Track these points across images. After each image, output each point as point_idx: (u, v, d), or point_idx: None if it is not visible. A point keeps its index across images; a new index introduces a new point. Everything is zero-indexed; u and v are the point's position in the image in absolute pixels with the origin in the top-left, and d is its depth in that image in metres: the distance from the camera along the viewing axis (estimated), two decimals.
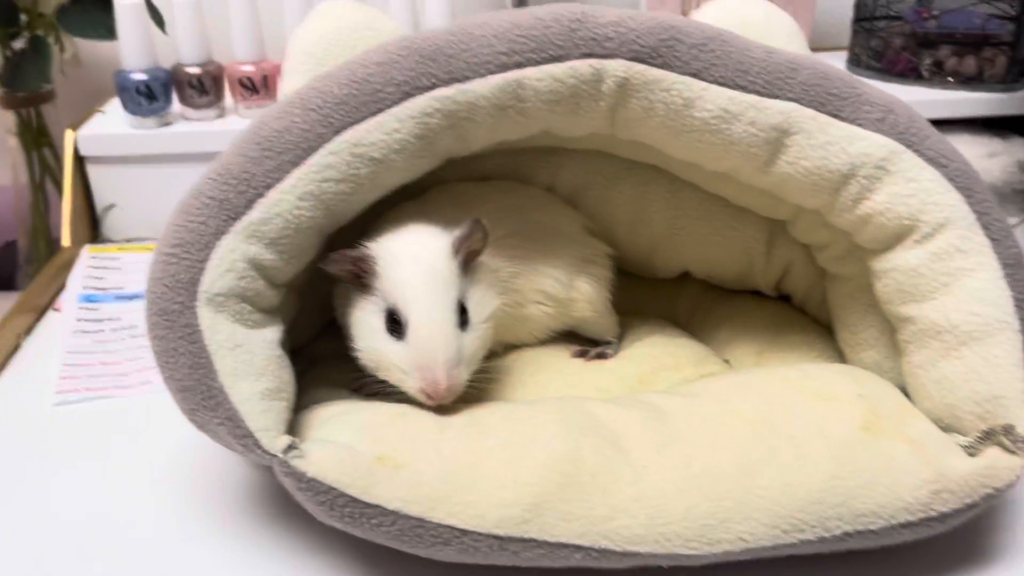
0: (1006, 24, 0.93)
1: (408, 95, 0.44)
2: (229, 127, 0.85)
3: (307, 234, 0.45)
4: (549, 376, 0.55)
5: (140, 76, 0.82)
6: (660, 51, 0.45)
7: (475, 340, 0.47)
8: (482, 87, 0.45)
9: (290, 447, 0.41)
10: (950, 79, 0.95)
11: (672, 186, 0.58)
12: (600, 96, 0.46)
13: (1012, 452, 0.43)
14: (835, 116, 0.46)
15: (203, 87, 0.85)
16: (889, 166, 0.45)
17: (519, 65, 0.45)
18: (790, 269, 0.59)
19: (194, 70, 0.84)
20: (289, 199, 0.44)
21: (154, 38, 0.83)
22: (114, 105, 0.89)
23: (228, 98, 0.88)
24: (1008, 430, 0.43)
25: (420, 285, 0.46)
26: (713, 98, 0.45)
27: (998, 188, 0.91)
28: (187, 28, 0.83)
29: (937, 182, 0.45)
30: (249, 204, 0.43)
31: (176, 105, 0.87)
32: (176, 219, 0.44)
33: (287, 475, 0.41)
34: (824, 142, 0.46)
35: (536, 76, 0.45)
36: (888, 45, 0.99)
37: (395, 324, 0.46)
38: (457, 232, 0.48)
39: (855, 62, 1.03)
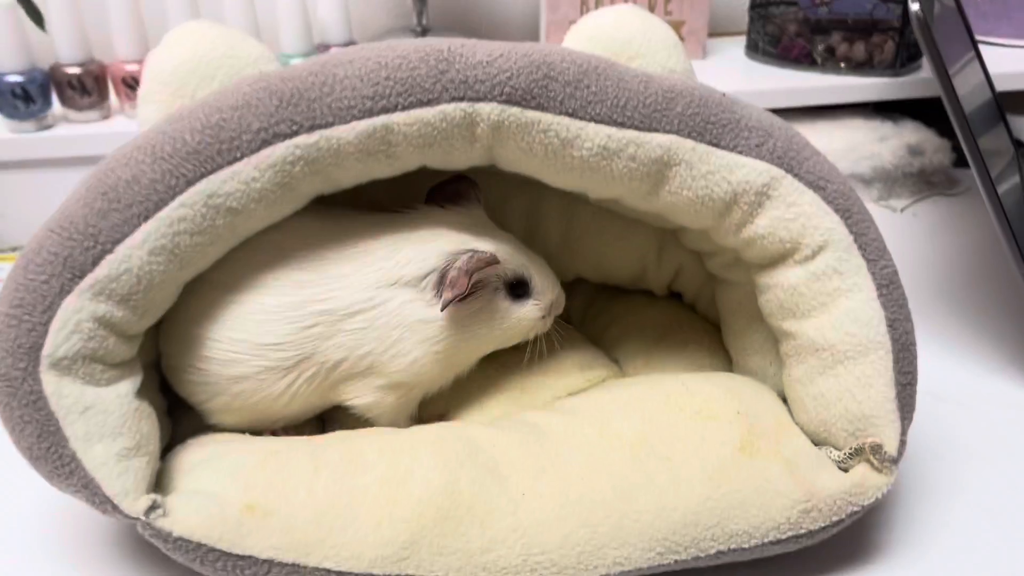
0: (894, 10, 0.93)
1: (267, 143, 0.42)
2: (115, 129, 0.81)
3: (161, 288, 0.43)
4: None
5: (15, 78, 0.77)
6: (534, 92, 0.43)
7: None
8: (347, 134, 0.42)
9: (152, 507, 0.40)
10: (842, 64, 0.96)
11: (563, 200, 0.57)
12: (475, 139, 0.44)
13: (879, 470, 0.44)
14: (715, 145, 0.45)
15: (84, 88, 0.80)
16: (770, 191, 0.45)
17: (386, 110, 0.42)
18: (681, 272, 0.59)
19: (74, 70, 0.79)
20: (139, 255, 0.41)
21: (30, 37, 0.78)
22: None
23: (112, 98, 0.83)
24: (876, 448, 0.44)
25: (515, 248, 0.51)
26: (591, 136, 0.44)
27: (888, 172, 0.92)
28: (65, 26, 0.78)
29: (816, 205, 0.45)
30: (95, 261, 0.41)
31: (57, 107, 0.82)
32: (16, 276, 0.41)
33: (152, 536, 0.40)
34: (705, 172, 0.45)
35: (405, 121, 0.43)
36: (783, 31, 0.99)
37: (519, 288, 0.51)
38: (475, 195, 0.52)
39: (752, 48, 1.03)
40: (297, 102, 0.42)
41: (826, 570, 0.47)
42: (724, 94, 0.46)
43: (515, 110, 0.43)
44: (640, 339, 0.58)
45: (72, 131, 0.81)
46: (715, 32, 1.11)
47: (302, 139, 0.42)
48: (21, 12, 0.77)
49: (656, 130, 0.44)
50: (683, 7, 1.01)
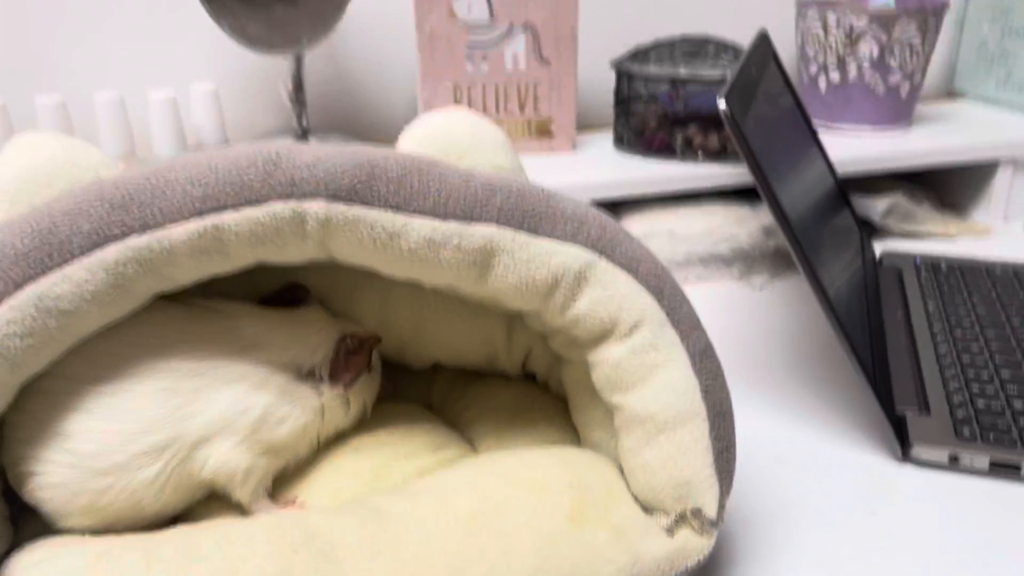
0: None
1: (98, 244, 0.43)
2: None
3: None
4: (287, 484, 0.54)
5: None
6: (358, 189, 0.46)
7: None
8: (178, 234, 0.44)
9: None
10: (699, 154, 1.03)
11: (410, 291, 0.60)
12: (306, 234, 0.46)
13: (699, 534, 0.47)
14: (533, 233, 0.48)
15: None
16: (587, 274, 0.48)
17: (215, 210, 0.44)
18: (530, 353, 0.62)
19: None
20: None
21: None
22: None
23: None
24: (696, 513, 0.47)
25: None
26: (417, 228, 0.47)
27: (747, 252, 0.99)
28: None
29: (630, 285, 0.49)
30: None
31: None
32: None
33: None
34: (526, 259, 0.48)
35: (234, 220, 0.45)
36: (646, 124, 1.06)
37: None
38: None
39: (619, 140, 1.10)
40: (127, 205, 0.44)
41: None
42: (542, 188, 0.49)
43: (341, 207, 0.45)
44: (494, 419, 0.60)
45: None
46: (584, 125, 1.18)
47: (133, 240, 0.44)
48: None
49: (478, 221, 0.47)
50: (551, 105, 1.07)
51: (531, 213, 0.48)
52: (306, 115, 1.04)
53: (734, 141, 0.59)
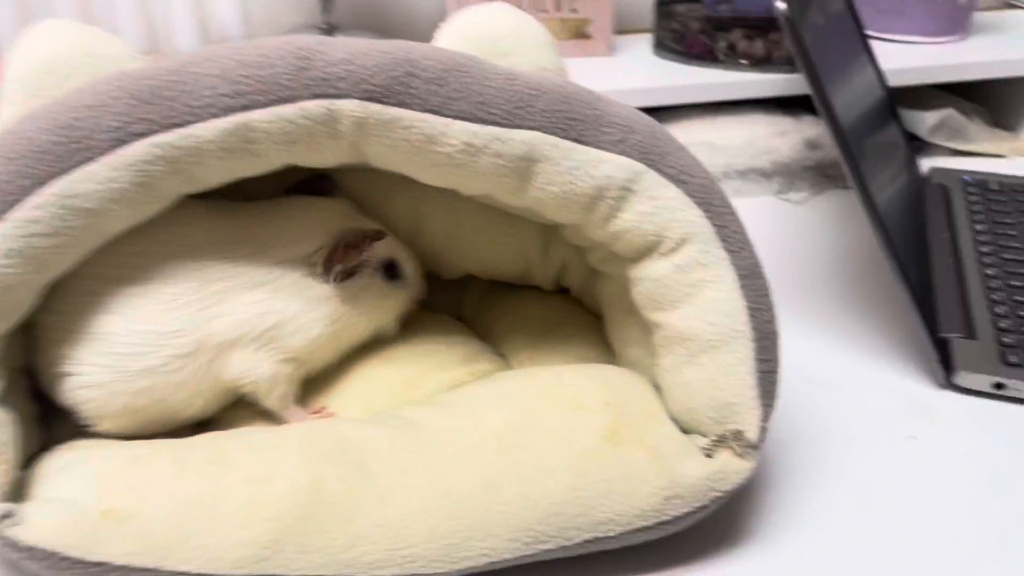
0: None
1: (122, 142, 0.41)
2: None
3: (17, 292, 0.42)
4: (318, 393, 0.54)
5: None
6: (394, 89, 0.43)
7: None
8: (206, 132, 0.42)
9: (5, 516, 0.39)
10: (742, 61, 0.98)
11: (445, 200, 0.57)
12: (338, 135, 0.44)
13: (740, 456, 0.45)
14: (578, 141, 0.45)
15: None
16: (633, 186, 0.46)
17: (245, 108, 0.42)
18: (566, 267, 0.60)
19: None
20: None
21: None
22: None
23: None
24: (737, 435, 0.45)
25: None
26: (456, 133, 0.44)
27: (787, 165, 0.95)
28: None
29: (678, 199, 0.46)
30: None
31: None
32: None
33: (4, 546, 0.39)
34: (569, 167, 0.45)
35: (265, 119, 0.42)
36: (687, 29, 1.01)
37: (392, 270, 0.54)
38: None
39: (660, 45, 1.05)
40: (153, 100, 0.42)
41: (698, 555, 0.48)
42: (589, 91, 0.47)
43: (376, 107, 0.43)
44: (526, 333, 0.59)
45: None
46: (623, 29, 1.13)
47: (159, 138, 0.42)
48: None
49: (519, 126, 0.44)
50: (589, 4, 1.02)
51: (577, 118, 0.45)
52: (333, 9, 1.00)
53: (791, 46, 0.55)
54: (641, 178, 0.46)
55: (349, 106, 0.43)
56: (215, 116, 0.42)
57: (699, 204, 0.46)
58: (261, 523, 0.41)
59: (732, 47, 0.99)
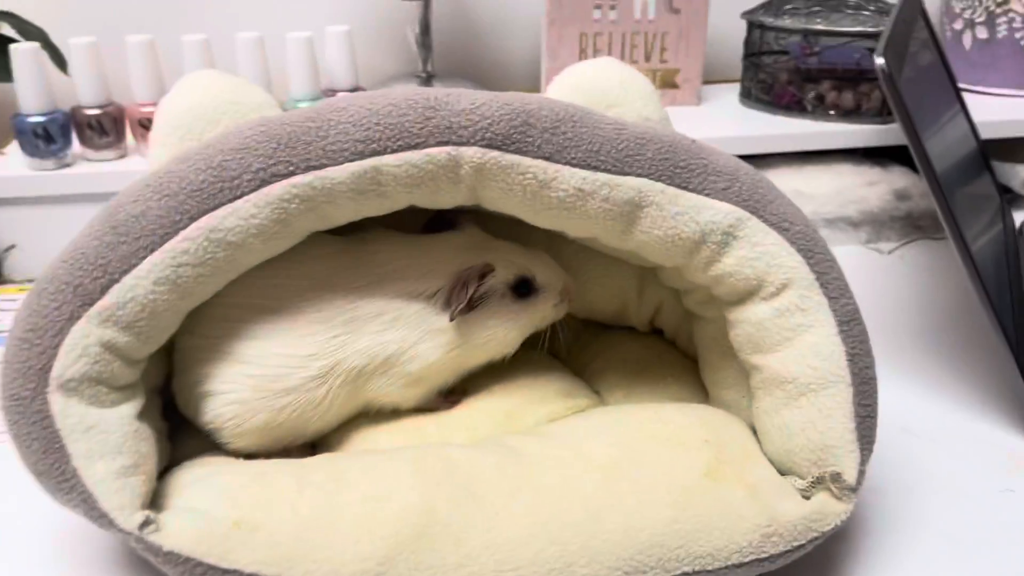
0: None
1: (265, 182, 0.45)
2: (130, 167, 0.85)
3: (164, 316, 0.46)
4: (424, 418, 0.56)
5: (37, 119, 0.81)
6: (513, 137, 0.46)
7: None
8: (339, 174, 0.46)
9: (145, 522, 0.42)
10: (831, 112, 0.99)
11: (547, 240, 0.60)
12: (459, 179, 0.47)
13: (838, 498, 0.46)
14: (683, 188, 0.48)
15: (103, 128, 0.84)
16: (736, 232, 0.48)
17: (376, 153, 0.46)
18: (661, 308, 0.62)
19: (94, 112, 0.83)
20: (144, 284, 0.44)
21: (52, 79, 0.82)
22: (15, 146, 0.88)
23: (129, 138, 0.87)
24: (836, 477, 0.46)
25: (518, 250, 0.56)
26: (567, 179, 0.47)
27: (876, 215, 0.95)
28: (86, 70, 0.82)
29: (780, 245, 0.48)
30: (104, 289, 0.44)
31: (76, 146, 0.86)
32: (29, 302, 0.44)
33: (144, 550, 0.43)
34: (674, 213, 0.48)
35: (393, 163, 0.46)
36: (775, 79, 1.02)
37: (523, 288, 0.55)
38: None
39: (746, 95, 1.07)
40: (294, 144, 0.45)
41: None
42: (694, 141, 0.49)
43: (495, 153, 0.46)
44: (621, 372, 0.61)
45: (90, 169, 0.85)
46: (710, 79, 1.15)
47: (298, 179, 0.45)
48: (45, 56, 0.82)
49: (628, 173, 0.47)
50: (678, 55, 1.05)
51: (682, 166, 0.47)
52: (432, 60, 1.05)
53: (889, 99, 0.57)
54: (744, 224, 0.47)
55: (470, 152, 0.46)
56: (348, 160, 0.46)
57: (800, 251, 0.48)
58: (377, 540, 0.43)
59: (821, 98, 1.00)
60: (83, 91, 0.83)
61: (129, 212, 0.45)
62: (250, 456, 0.52)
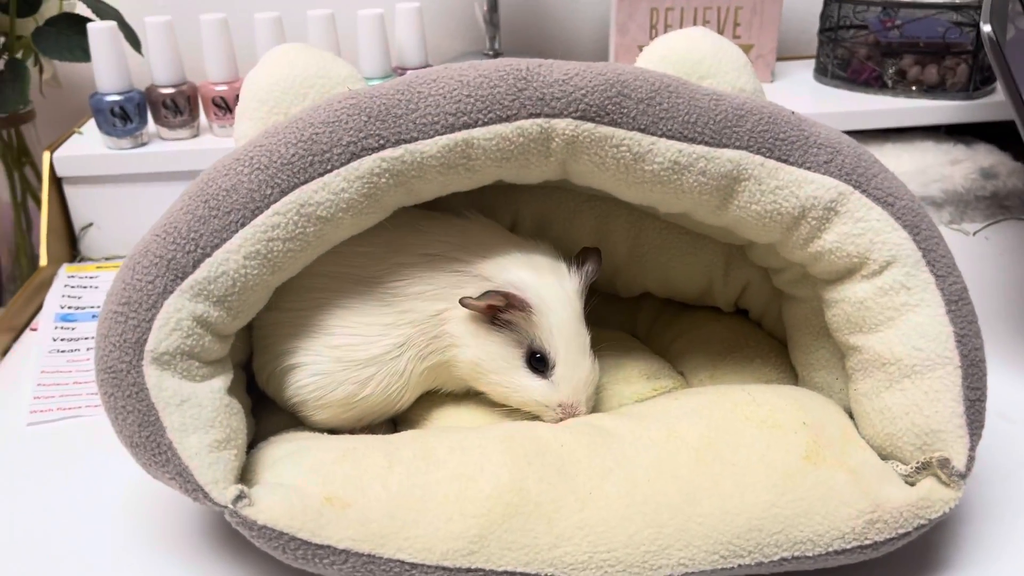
0: (968, 33, 0.93)
1: (355, 156, 0.45)
2: (204, 146, 0.86)
3: (255, 291, 0.46)
4: None
5: (114, 98, 0.82)
6: (607, 108, 0.45)
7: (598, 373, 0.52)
8: (430, 147, 0.45)
9: (239, 496, 0.42)
10: (913, 88, 0.96)
11: (632, 217, 0.59)
12: (550, 153, 0.46)
13: (946, 484, 0.44)
14: (783, 161, 0.46)
15: (177, 107, 0.85)
16: (838, 207, 0.46)
17: (467, 125, 0.45)
18: (747, 288, 0.60)
19: (168, 91, 0.84)
20: (236, 258, 0.44)
21: (128, 60, 0.83)
22: (91, 126, 0.90)
23: (203, 117, 0.88)
24: (944, 463, 0.44)
25: (569, 331, 0.50)
26: (663, 151, 0.45)
27: (960, 195, 0.92)
28: (161, 50, 0.82)
29: (884, 221, 0.46)
30: (196, 263, 0.44)
31: (151, 125, 0.87)
32: (124, 276, 0.44)
33: (239, 524, 0.43)
34: (774, 187, 0.46)
35: (484, 136, 0.45)
36: (853, 54, 0.99)
37: (538, 362, 0.50)
38: (585, 271, 0.52)
39: (822, 71, 1.03)
40: (384, 118, 0.45)
41: None
42: (793, 112, 0.47)
43: (589, 126, 0.45)
44: (706, 353, 0.59)
45: (164, 148, 0.85)
46: (783, 56, 1.12)
47: (388, 152, 0.45)
48: (121, 35, 0.82)
49: (726, 146, 0.45)
50: (752, 31, 1.02)
51: (782, 139, 0.46)
52: (499, 38, 1.04)
53: (996, 70, 0.54)
54: (847, 199, 0.46)
55: (563, 124, 0.45)
56: (439, 133, 0.45)
57: (905, 227, 0.46)
58: (469, 518, 0.42)
59: (902, 73, 0.97)
60: (158, 70, 0.83)
61: (220, 186, 0.44)
62: (332, 432, 0.51)
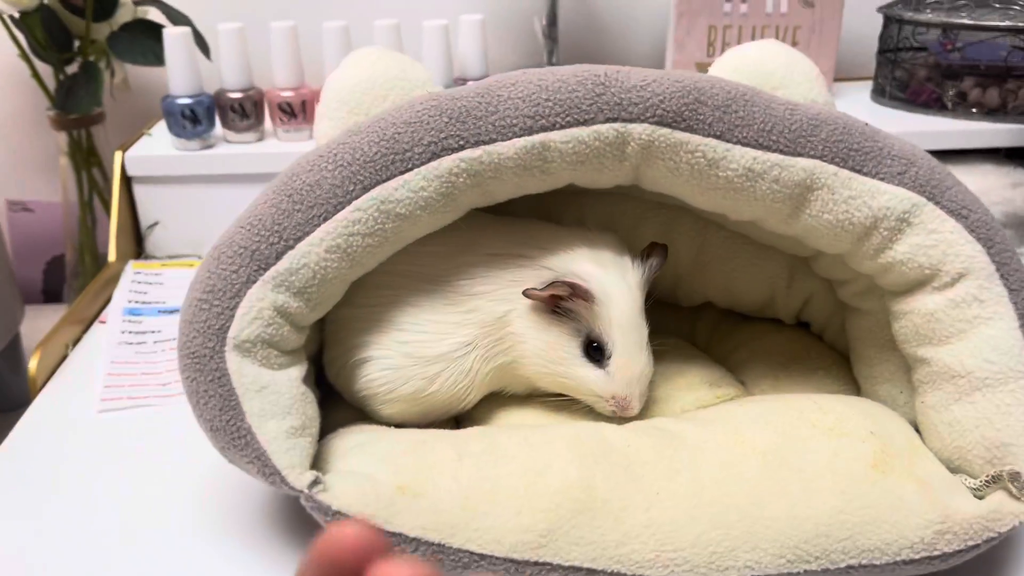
0: None
1: (436, 155, 0.46)
2: (268, 150, 0.88)
3: (333, 284, 0.47)
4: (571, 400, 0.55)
5: (185, 101, 0.85)
6: (684, 115, 0.45)
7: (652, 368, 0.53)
8: (508, 149, 0.46)
9: (315, 482, 0.44)
10: (974, 110, 0.95)
11: (696, 225, 0.59)
12: (625, 157, 0.47)
13: (1017, 498, 0.44)
14: (857, 171, 0.46)
15: (244, 111, 0.87)
16: (911, 218, 0.46)
17: (544, 128, 0.46)
18: (811, 300, 0.60)
19: (236, 95, 0.86)
20: (317, 251, 0.45)
21: (199, 65, 0.86)
22: (160, 128, 0.92)
23: (268, 122, 0.90)
24: (1015, 476, 0.44)
25: (628, 323, 0.50)
26: (737, 158, 0.46)
27: (1021, 217, 0.91)
28: (231, 56, 0.85)
29: (958, 233, 0.46)
30: (279, 255, 0.45)
31: (218, 128, 0.89)
32: (209, 265, 0.46)
33: (314, 508, 0.44)
34: (847, 197, 0.46)
35: (561, 139, 0.46)
36: (912, 76, 0.99)
37: (595, 351, 0.51)
38: (649, 264, 0.53)
39: (880, 92, 1.03)
40: (464, 119, 0.46)
41: None
42: (867, 124, 0.47)
43: (665, 131, 0.46)
44: (767, 364, 0.59)
45: (230, 151, 0.88)
46: (841, 76, 1.12)
47: (467, 153, 0.46)
48: (192, 41, 0.85)
49: (800, 154, 0.46)
50: (809, 50, 1.02)
51: (856, 149, 0.46)
52: (557, 52, 1.05)
53: None
54: (920, 210, 0.46)
55: (639, 129, 0.46)
56: (517, 135, 0.46)
57: (979, 239, 0.46)
58: (538, 512, 0.43)
59: (963, 95, 0.96)
60: (227, 75, 0.86)
61: (305, 181, 0.46)
62: (399, 427, 0.52)
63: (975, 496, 0.45)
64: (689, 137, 0.46)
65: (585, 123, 0.46)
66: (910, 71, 1.00)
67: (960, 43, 0.97)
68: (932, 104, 0.98)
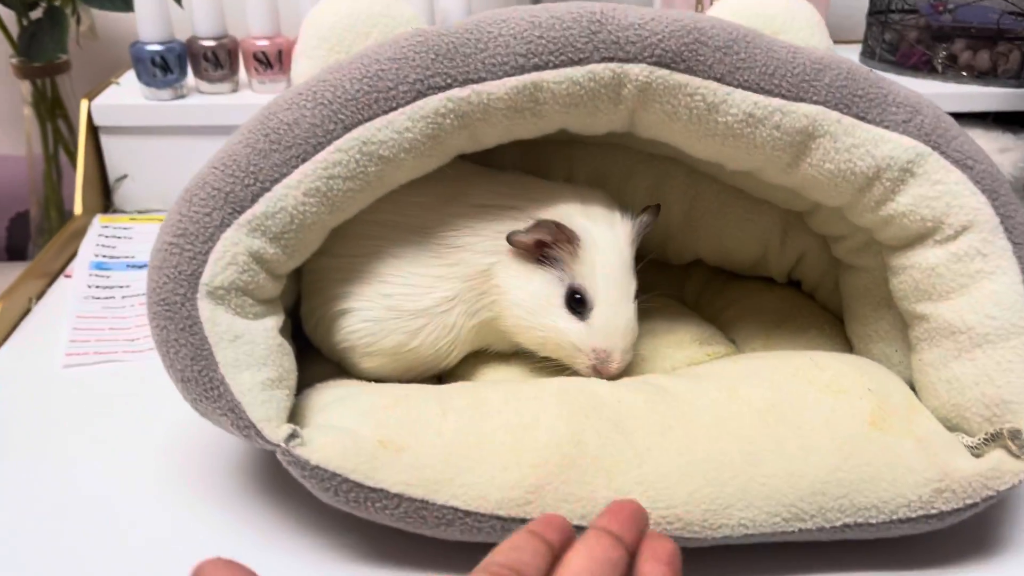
0: (1021, 20, 0.91)
1: (421, 94, 0.43)
2: (243, 101, 0.84)
3: (312, 230, 0.45)
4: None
5: (156, 47, 0.81)
6: (683, 55, 0.43)
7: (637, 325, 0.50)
8: (498, 89, 0.44)
9: (292, 435, 0.41)
10: (963, 73, 0.94)
11: (689, 179, 0.57)
12: (620, 100, 0.45)
13: (1016, 456, 0.43)
14: (861, 118, 0.45)
15: (218, 61, 0.84)
16: (915, 168, 0.44)
17: (537, 67, 0.43)
18: (803, 258, 0.59)
19: (209, 43, 0.83)
20: (295, 195, 0.43)
21: (170, 11, 0.82)
22: (129, 77, 0.88)
23: (243, 72, 0.87)
24: (1015, 434, 0.43)
25: (614, 273, 0.48)
26: (738, 102, 0.44)
27: (1010, 184, 0.90)
28: (203, 2, 0.81)
29: (963, 184, 0.44)
30: (254, 198, 0.43)
31: (191, 78, 0.86)
32: (179, 208, 0.43)
33: (290, 463, 0.42)
34: (849, 145, 0.45)
35: (554, 79, 0.44)
36: (902, 38, 0.97)
37: (578, 304, 0.48)
38: (640, 220, 0.50)
39: (869, 55, 1.01)
40: (452, 56, 0.43)
41: (947, 561, 0.45)
42: (872, 70, 0.46)
43: (664, 72, 0.43)
44: (758, 322, 0.58)
45: (203, 101, 0.84)
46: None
47: (455, 92, 0.44)
48: None
49: (803, 100, 0.44)
50: None
51: (861, 95, 0.44)
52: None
53: None
54: (924, 160, 0.44)
55: (636, 70, 0.44)
56: (508, 74, 0.44)
57: (984, 191, 0.44)
58: (525, 467, 0.41)
59: (953, 58, 0.95)
60: (199, 22, 0.82)
61: (282, 120, 0.43)
62: (379, 383, 0.50)
63: (972, 454, 0.44)
64: (688, 79, 0.44)
65: (580, 62, 0.43)
66: (900, 33, 0.98)
67: (951, 4, 0.95)
68: (922, 67, 0.97)
